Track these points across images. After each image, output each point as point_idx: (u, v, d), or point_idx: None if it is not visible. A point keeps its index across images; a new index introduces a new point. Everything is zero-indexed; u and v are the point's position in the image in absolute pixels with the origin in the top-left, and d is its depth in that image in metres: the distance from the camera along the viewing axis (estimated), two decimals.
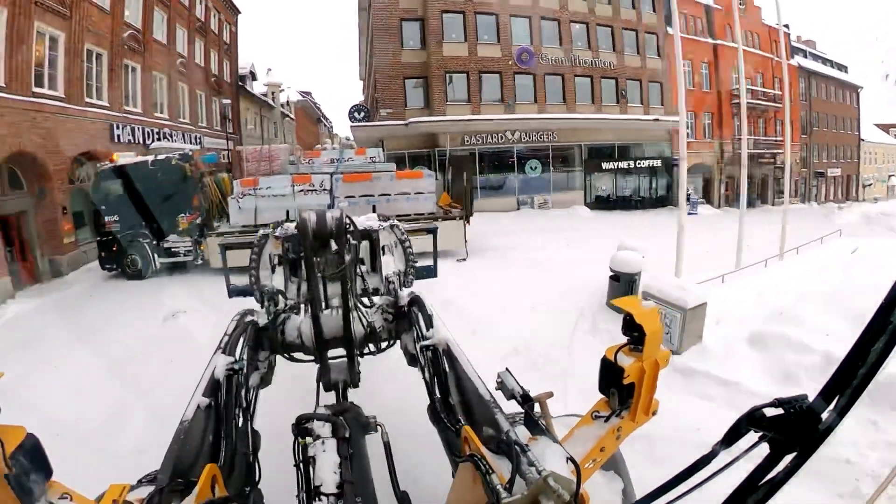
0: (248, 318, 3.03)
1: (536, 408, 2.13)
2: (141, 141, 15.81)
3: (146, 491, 1.68)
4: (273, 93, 35.19)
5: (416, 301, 3.12)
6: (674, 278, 7.20)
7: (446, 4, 20.59)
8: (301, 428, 1.94)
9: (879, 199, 36.39)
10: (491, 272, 9.83)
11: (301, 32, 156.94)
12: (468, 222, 11.45)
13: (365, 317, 3.12)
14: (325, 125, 52.96)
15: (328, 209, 3.06)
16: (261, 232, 3.49)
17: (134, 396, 4.97)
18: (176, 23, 19.28)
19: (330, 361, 3.02)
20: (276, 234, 3.35)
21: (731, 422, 1.11)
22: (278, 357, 3.21)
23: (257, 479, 2.15)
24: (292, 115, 43.11)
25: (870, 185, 40.09)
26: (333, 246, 2.73)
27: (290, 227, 3.20)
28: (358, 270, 3.25)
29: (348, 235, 2.84)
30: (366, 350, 3.23)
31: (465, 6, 20.80)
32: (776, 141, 28.86)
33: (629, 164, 23.28)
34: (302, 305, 3.24)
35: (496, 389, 2.12)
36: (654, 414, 2.02)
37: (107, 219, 10.56)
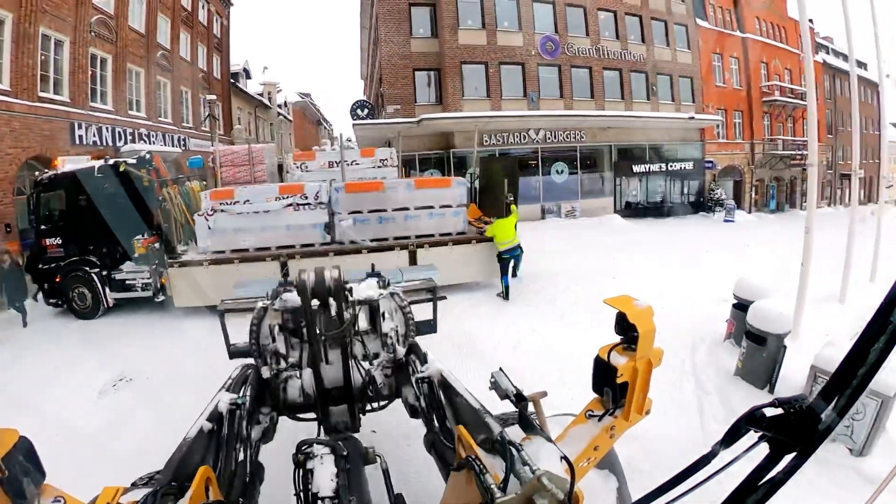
0: (252, 370, 3.03)
1: (530, 407, 2.14)
2: (110, 142, 14.16)
3: (140, 494, 1.67)
4: (269, 93, 33.13)
5: (412, 348, 3.18)
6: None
7: None
8: (302, 453, 1.95)
9: None
10: (547, 316, 7.37)
11: (300, 32, 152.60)
12: None
13: (362, 368, 3.15)
14: (326, 128, 51.51)
15: (325, 269, 2.98)
16: (259, 304, 3.30)
17: None
18: (157, 11, 17.62)
19: (332, 408, 3.08)
20: (276, 306, 3.22)
21: None
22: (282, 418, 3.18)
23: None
24: (290, 117, 40.75)
25: (890, 186, 39.02)
26: (333, 307, 2.86)
27: (290, 299, 3.12)
28: (358, 335, 3.23)
29: (346, 293, 2.93)
30: (367, 407, 3.23)
31: None
32: (805, 142, 27.22)
33: (661, 167, 21.30)
34: (303, 366, 3.22)
35: (490, 389, 2.17)
36: (647, 413, 2.13)
37: (48, 241, 8.62)
